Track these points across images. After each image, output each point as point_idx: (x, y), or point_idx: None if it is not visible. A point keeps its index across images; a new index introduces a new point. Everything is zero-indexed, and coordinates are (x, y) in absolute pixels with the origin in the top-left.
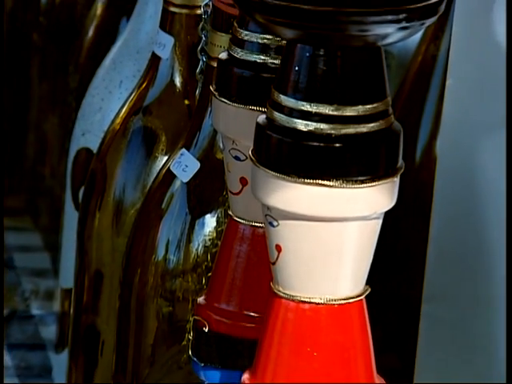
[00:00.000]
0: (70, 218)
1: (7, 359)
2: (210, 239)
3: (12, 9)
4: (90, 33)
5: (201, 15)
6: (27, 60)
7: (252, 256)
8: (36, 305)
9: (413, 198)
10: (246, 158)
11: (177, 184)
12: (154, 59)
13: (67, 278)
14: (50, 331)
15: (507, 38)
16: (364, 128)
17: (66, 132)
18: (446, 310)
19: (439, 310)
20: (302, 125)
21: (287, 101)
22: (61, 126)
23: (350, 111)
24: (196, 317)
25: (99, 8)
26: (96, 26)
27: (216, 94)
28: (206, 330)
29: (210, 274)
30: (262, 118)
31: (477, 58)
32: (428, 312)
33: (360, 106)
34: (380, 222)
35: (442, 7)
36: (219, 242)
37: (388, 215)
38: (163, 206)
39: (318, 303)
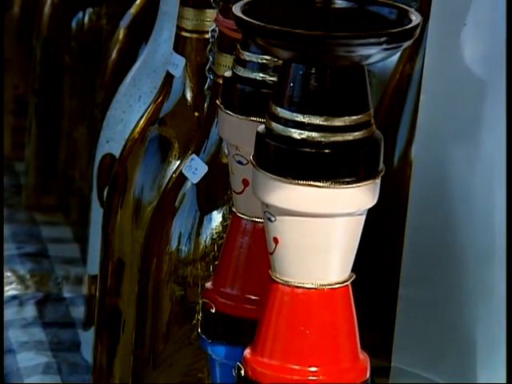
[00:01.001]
0: (96, 214)
1: (42, 335)
2: (216, 232)
3: (47, 35)
4: (114, 55)
5: (208, 39)
6: (60, 79)
7: (253, 247)
8: (67, 289)
9: (392, 196)
10: (248, 162)
11: (188, 185)
12: (168, 77)
13: (94, 265)
14: (78, 312)
15: (507, 38)
16: (350, 136)
17: (92, 140)
18: (421, 292)
19: (415, 292)
20: (296, 133)
21: (283, 113)
22: (88, 135)
23: (337, 122)
24: (204, 299)
25: (121, 33)
26: (118, 48)
27: (222, 106)
28: (213, 311)
29: (216, 262)
30: (261, 127)
31: (446, 77)
32: (405, 294)
33: (346, 117)
34: (364, 217)
35: (417, 32)
36: (224, 235)
37: (371, 212)
38: (176, 203)
39: (310, 288)
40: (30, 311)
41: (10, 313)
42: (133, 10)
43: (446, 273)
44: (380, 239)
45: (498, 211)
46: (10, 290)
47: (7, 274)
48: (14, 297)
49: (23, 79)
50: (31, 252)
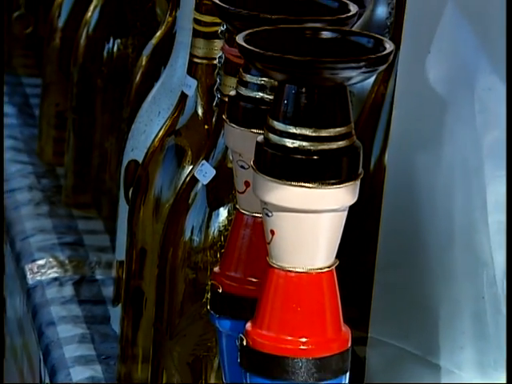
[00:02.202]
0: (123, 209)
1: (78, 311)
2: (223, 225)
3: (82, 61)
4: (137, 78)
5: (216, 64)
6: (93, 98)
7: (253, 238)
8: (99, 272)
9: (369, 195)
10: (249, 166)
11: (199, 186)
12: (183, 96)
13: (121, 252)
14: (108, 291)
15: (507, 38)
16: (334, 145)
17: (120, 148)
18: (393, 274)
19: (388, 274)
20: (289, 143)
21: (278, 125)
22: (117, 145)
23: (324, 133)
24: (213, 281)
25: (144, 60)
26: (141, 73)
27: (227, 120)
28: (220, 291)
29: (223, 250)
30: (260, 137)
31: (414, 96)
32: (380, 276)
33: (331, 129)
34: (346, 213)
35: (391, 58)
36: (229, 228)
37: (351, 208)
38: (189, 201)
39: (301, 272)
40: (68, 290)
41: (51, 292)
42: (153, 41)
43: (413, 259)
44: (360, 231)
45: (456, 207)
46: (51, 273)
47: (50, 259)
48: (55, 278)
49: (63, 98)
50: (69, 241)
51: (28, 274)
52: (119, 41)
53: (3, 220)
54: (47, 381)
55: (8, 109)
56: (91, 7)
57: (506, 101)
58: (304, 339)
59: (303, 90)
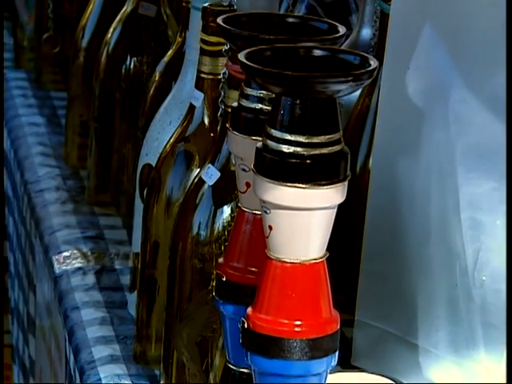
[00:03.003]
0: (139, 208)
1: (99, 296)
2: (226, 221)
3: (103, 77)
4: (151, 91)
5: (220, 79)
6: (113, 109)
7: (253, 232)
8: (117, 262)
9: (356, 194)
10: (249, 169)
11: (205, 186)
12: (191, 107)
13: (137, 245)
14: (126, 279)
15: (507, 38)
16: (325, 150)
17: (136, 153)
18: (377, 264)
19: (372, 264)
20: (285, 148)
21: (276, 133)
22: (133, 150)
23: (316, 139)
24: (217, 271)
25: (157, 75)
26: (155, 86)
27: (230, 129)
28: (224, 279)
29: (226, 243)
30: (259, 144)
31: (396, 107)
32: (365, 266)
33: (322, 136)
34: (335, 210)
35: (375, 73)
36: (232, 224)
37: (340, 206)
38: (197, 200)
39: (296, 262)
40: (91, 279)
41: (75, 280)
42: (165, 59)
43: (395, 251)
44: (347, 227)
45: (433, 206)
46: (76, 264)
47: (74, 251)
48: (79, 268)
49: (86, 110)
50: (92, 235)
51: (55, 264)
52: (135, 59)
53: (3, 225)
54: (72, 358)
55: (38, 119)
56: (111, 29)
57: (506, 101)
58: (298, 322)
59: (297, 101)
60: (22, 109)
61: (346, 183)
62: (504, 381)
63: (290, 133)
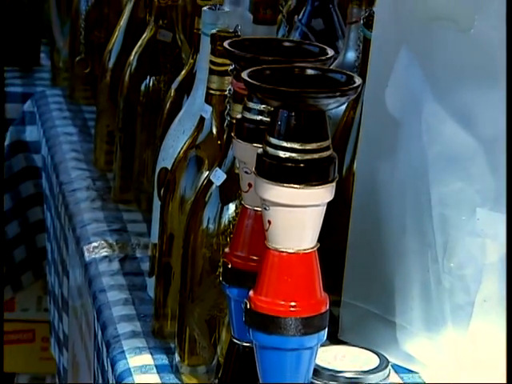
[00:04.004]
0: (157, 204)
1: (123, 280)
2: (232, 217)
3: (126, 93)
4: (167, 105)
5: (227, 95)
6: (134, 121)
7: (255, 226)
8: (138, 251)
9: (342, 194)
10: (251, 172)
11: (213, 187)
12: (202, 119)
13: (155, 237)
14: (145, 266)
15: (507, 38)
16: (316, 155)
17: (154, 158)
18: (361, 253)
19: (356, 253)
20: (282, 154)
21: (274, 141)
22: (152, 156)
23: (308, 146)
24: (224, 259)
25: (172, 91)
26: (170, 101)
27: (235, 137)
28: (230, 266)
29: (231, 235)
30: (260, 150)
31: (377, 119)
32: (350, 254)
33: (314, 144)
34: (325, 207)
35: (359, 89)
36: (237, 219)
37: (329, 203)
38: (206, 198)
39: (291, 252)
40: (116, 265)
41: (102, 266)
42: (179, 78)
43: (376, 241)
44: (335, 221)
45: (408, 203)
46: (103, 252)
47: (101, 242)
48: (105, 256)
49: (112, 121)
50: (116, 228)
51: (85, 253)
52: (154, 78)
53: (3, 225)
54: (100, 333)
55: (71, 129)
56: (133, 53)
57: (506, 101)
58: (293, 303)
59: (293, 113)
60: (57, 120)
61: (334, 184)
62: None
63: (286, 140)
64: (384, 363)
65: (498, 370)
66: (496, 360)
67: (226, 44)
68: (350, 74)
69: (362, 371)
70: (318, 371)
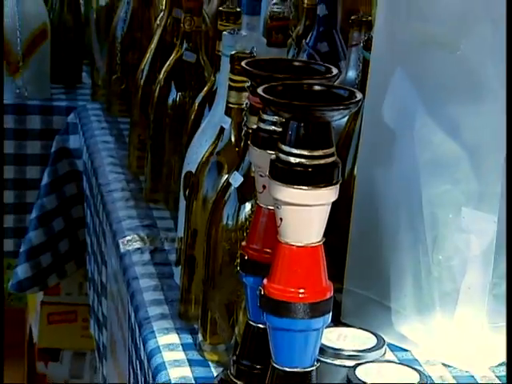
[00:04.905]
0: (182, 204)
1: (153, 270)
2: (248, 214)
3: (156, 106)
4: (192, 117)
5: (244, 108)
6: (163, 131)
7: (268, 223)
8: (166, 244)
9: (345, 194)
10: (265, 175)
11: (232, 188)
12: (222, 129)
13: (181, 231)
14: (172, 257)
15: (507, 38)
16: (322, 161)
17: (181, 164)
18: (360, 246)
19: (357, 246)
20: (292, 159)
21: (285, 148)
22: (179, 161)
23: (316, 153)
24: (241, 251)
25: (196, 105)
26: (194, 114)
27: (251, 145)
28: (246, 258)
29: (248, 231)
30: (273, 156)
31: (375, 129)
32: (351, 248)
33: (320, 150)
34: (330, 206)
35: (360, 103)
36: (252, 216)
37: (334, 203)
38: (225, 198)
39: (300, 246)
40: (147, 256)
41: (135, 257)
42: (202, 93)
43: (374, 237)
44: (339, 218)
45: (402, 203)
46: (135, 245)
47: (134, 236)
48: (138, 248)
49: (144, 131)
50: (147, 224)
51: (120, 245)
52: (180, 93)
53: (3, 224)
54: (133, 315)
55: (108, 138)
56: (162, 72)
57: (506, 102)
58: (302, 290)
59: (302, 124)
60: (96, 130)
61: (338, 186)
62: None
63: (296, 148)
64: (381, 342)
65: (480, 349)
66: (478, 340)
67: (243, 64)
68: (352, 89)
69: (362, 350)
70: (323, 349)
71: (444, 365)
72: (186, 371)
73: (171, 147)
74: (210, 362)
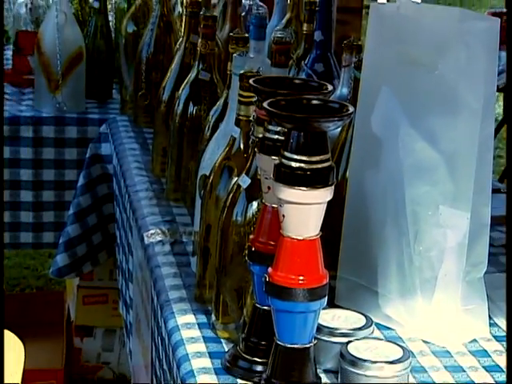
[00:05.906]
0: (198, 202)
1: (173, 259)
2: (255, 212)
3: (176, 119)
4: (207, 128)
5: (251, 120)
6: (182, 139)
7: (272, 219)
8: (185, 237)
9: (339, 194)
10: (270, 178)
11: (241, 189)
12: (232, 138)
13: (197, 226)
14: (190, 248)
15: (507, 38)
16: (320, 166)
17: (197, 168)
18: (352, 238)
19: (349, 239)
20: (293, 164)
21: (287, 154)
22: (195, 165)
23: (314, 158)
24: (249, 243)
25: (210, 117)
26: (209, 125)
27: (258, 151)
28: (253, 249)
29: (255, 226)
30: (276, 161)
31: (364, 138)
32: (344, 241)
33: (318, 156)
34: (326, 204)
35: (352, 115)
36: (259, 213)
37: (329, 202)
38: (235, 198)
39: (300, 239)
40: (167, 248)
41: (157, 248)
42: (215, 107)
43: (363, 231)
44: (333, 215)
45: (388, 202)
46: (158, 238)
47: (157, 230)
48: (160, 241)
49: (165, 140)
50: (168, 219)
51: (145, 238)
52: (197, 107)
53: (2, 224)
54: (155, 298)
55: (135, 145)
56: (181, 88)
57: (506, 102)
58: (301, 277)
59: (302, 133)
60: (125, 139)
61: (333, 187)
62: None
63: (297, 154)
64: (369, 322)
65: (454, 328)
66: (453, 320)
67: (251, 81)
68: (345, 103)
69: (353, 328)
70: (320, 328)
71: (424, 341)
72: (201, 347)
73: (189, 154)
74: (221, 339)
